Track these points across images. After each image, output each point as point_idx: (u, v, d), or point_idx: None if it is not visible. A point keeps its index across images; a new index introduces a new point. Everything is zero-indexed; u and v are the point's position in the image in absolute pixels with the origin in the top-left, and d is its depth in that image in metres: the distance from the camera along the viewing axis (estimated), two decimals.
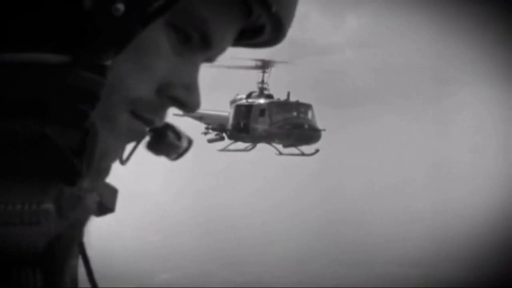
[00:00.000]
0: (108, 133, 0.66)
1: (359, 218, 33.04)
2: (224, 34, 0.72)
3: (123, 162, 0.80)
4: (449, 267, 22.81)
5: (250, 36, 0.77)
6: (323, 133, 15.62)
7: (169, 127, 0.80)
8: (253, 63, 16.29)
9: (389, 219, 32.11)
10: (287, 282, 21.67)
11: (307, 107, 15.84)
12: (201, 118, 16.96)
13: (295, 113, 15.57)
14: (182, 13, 0.66)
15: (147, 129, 0.73)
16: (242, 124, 16.14)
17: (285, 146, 16.13)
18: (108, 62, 0.61)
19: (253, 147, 16.61)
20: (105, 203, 0.75)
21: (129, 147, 0.77)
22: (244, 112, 16.21)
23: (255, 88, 16.79)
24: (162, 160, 0.82)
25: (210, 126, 17.04)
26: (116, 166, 0.76)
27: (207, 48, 0.71)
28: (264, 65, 16.44)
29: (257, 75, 16.73)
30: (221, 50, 0.74)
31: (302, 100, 16.10)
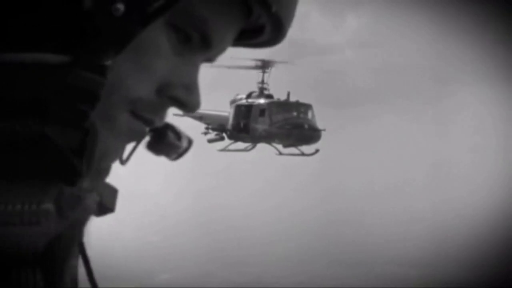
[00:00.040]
0: (108, 133, 0.66)
1: (359, 218, 33.03)
2: (224, 34, 0.72)
3: (123, 162, 0.80)
4: (449, 267, 22.80)
5: (250, 36, 0.77)
6: (323, 133, 15.62)
7: (169, 127, 0.80)
8: (253, 63, 16.30)
9: (389, 219, 32.10)
10: (287, 282, 21.67)
11: (307, 107, 15.84)
12: (201, 118, 16.97)
13: (295, 113, 15.57)
14: (182, 13, 0.66)
15: (147, 129, 0.73)
16: (242, 124, 16.14)
17: (285, 146, 16.13)
18: (108, 62, 0.61)
19: (253, 147, 16.61)
20: (105, 203, 0.75)
21: (129, 147, 0.77)
22: (244, 112, 16.21)
23: (255, 88, 16.80)
24: (162, 160, 0.83)
25: (210, 126, 17.04)
26: (116, 166, 0.76)
27: (207, 48, 0.71)
28: (264, 65, 16.44)
29: (257, 75, 16.74)
30: (221, 50, 0.74)
31: (302, 100, 16.11)
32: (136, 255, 23.45)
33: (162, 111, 0.72)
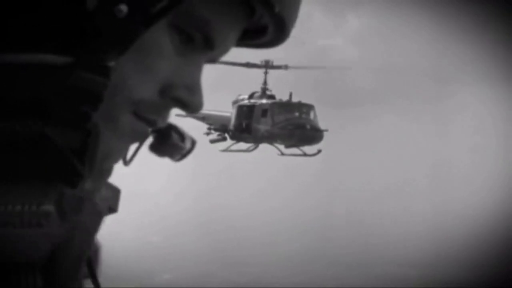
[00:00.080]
0: (111, 134, 0.66)
1: (359, 218, 33.03)
2: (227, 35, 0.71)
3: (126, 163, 0.79)
4: (449, 267, 22.79)
5: (253, 36, 0.77)
6: (324, 133, 15.59)
7: (173, 128, 0.80)
8: (260, 63, 16.26)
9: (389, 219, 32.10)
10: (288, 283, 21.66)
11: (309, 107, 15.82)
12: (203, 118, 16.94)
13: (297, 114, 15.54)
14: (185, 14, 0.66)
15: (150, 130, 0.73)
16: (244, 125, 16.12)
17: (287, 146, 16.10)
18: (111, 63, 0.61)
19: (255, 147, 16.58)
20: (106, 204, 0.75)
21: (132, 148, 0.76)
22: (246, 113, 16.19)
23: (257, 88, 16.78)
24: (163, 160, 0.82)
25: (212, 127, 17.02)
26: (116, 166, 0.76)
27: (210, 49, 0.71)
28: (267, 66, 16.40)
29: (259, 75, 16.71)
30: (224, 50, 0.74)
31: (303, 100, 16.09)
32: (136, 255, 23.44)
33: (165, 112, 0.72)
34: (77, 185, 0.61)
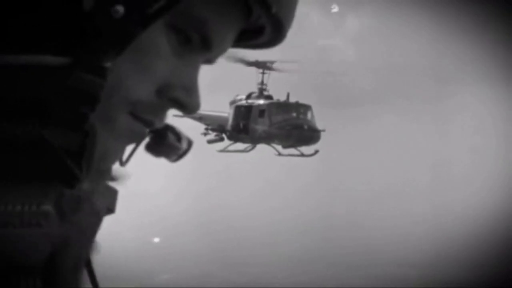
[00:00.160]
0: (108, 134, 0.66)
1: (359, 219, 32.99)
2: (225, 35, 0.71)
3: (123, 164, 0.80)
4: (449, 267, 22.79)
5: (250, 37, 0.77)
6: (323, 133, 15.60)
7: (169, 128, 0.80)
8: (257, 63, 16.28)
9: (389, 219, 32.07)
10: (288, 283, 21.65)
11: (307, 108, 15.83)
12: (200, 118, 16.95)
13: (294, 114, 15.56)
14: (182, 14, 0.66)
15: (147, 130, 0.73)
16: (241, 125, 16.13)
17: (284, 146, 16.11)
18: (108, 64, 0.61)
19: (253, 148, 16.60)
20: (106, 204, 0.75)
21: (128, 148, 0.77)
22: (243, 113, 16.20)
23: (255, 89, 16.79)
24: (162, 160, 0.82)
25: (209, 127, 17.03)
26: (116, 166, 0.76)
27: (207, 49, 0.71)
28: (264, 66, 16.41)
29: (256, 76, 16.72)
30: (221, 51, 0.74)
31: (302, 101, 16.10)
32: (136, 255, 23.42)
33: (162, 112, 0.72)
34: (74, 186, 0.62)
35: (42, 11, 0.59)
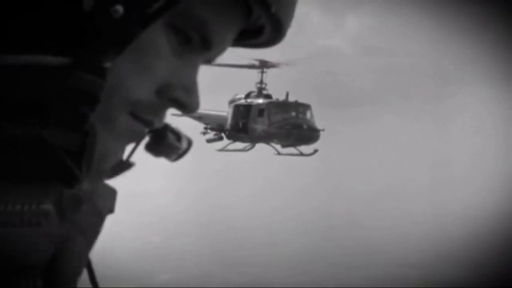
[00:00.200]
0: (108, 134, 0.66)
1: (359, 219, 33.00)
2: (224, 35, 0.71)
3: (124, 163, 0.80)
4: (449, 267, 22.79)
5: (250, 36, 0.77)
6: (323, 133, 15.60)
7: (169, 128, 0.80)
8: (256, 63, 16.27)
9: (389, 219, 32.07)
10: (288, 283, 21.65)
11: (306, 107, 15.82)
12: (200, 118, 16.95)
13: (293, 113, 15.55)
14: (182, 14, 0.66)
15: (147, 130, 0.73)
16: (241, 124, 16.12)
17: (283, 146, 16.11)
18: (108, 64, 0.61)
19: (252, 147, 16.59)
20: (105, 204, 0.75)
21: (128, 148, 0.77)
22: (243, 112, 16.19)
23: (254, 88, 16.78)
24: (162, 160, 0.82)
25: (209, 126, 17.03)
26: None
27: (207, 49, 0.71)
28: (263, 65, 16.40)
29: (256, 75, 16.72)
30: (221, 51, 0.74)
31: (302, 100, 16.09)
32: (136, 255, 23.44)
33: (161, 112, 0.72)
34: (74, 186, 0.62)
35: (42, 11, 0.59)
